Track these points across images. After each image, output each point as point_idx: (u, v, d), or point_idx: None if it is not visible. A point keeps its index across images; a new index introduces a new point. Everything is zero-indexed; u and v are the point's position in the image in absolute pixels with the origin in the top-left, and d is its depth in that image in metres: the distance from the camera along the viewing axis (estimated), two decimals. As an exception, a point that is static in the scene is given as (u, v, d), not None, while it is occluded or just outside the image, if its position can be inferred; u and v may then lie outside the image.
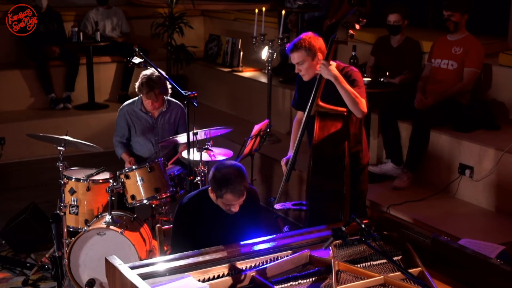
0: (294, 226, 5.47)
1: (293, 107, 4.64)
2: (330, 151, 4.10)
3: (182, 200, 3.78)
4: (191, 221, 3.68)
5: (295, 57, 4.23)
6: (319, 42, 4.23)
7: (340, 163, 4.07)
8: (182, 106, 5.19)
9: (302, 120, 4.56)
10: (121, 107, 5.21)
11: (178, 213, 3.75)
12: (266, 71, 6.72)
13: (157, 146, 5.14)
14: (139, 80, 4.98)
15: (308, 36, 4.24)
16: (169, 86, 5.01)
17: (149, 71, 4.93)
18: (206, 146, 4.90)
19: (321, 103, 4.15)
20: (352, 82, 4.19)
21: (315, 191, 4.15)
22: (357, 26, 4.10)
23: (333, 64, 4.23)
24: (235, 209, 3.61)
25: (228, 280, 2.84)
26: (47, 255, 4.92)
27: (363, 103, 4.15)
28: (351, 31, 4.11)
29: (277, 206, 4.56)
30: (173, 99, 5.21)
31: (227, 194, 3.54)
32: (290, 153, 4.48)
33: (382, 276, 2.82)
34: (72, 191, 4.59)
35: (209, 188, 3.65)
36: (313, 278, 2.91)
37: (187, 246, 3.50)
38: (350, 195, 4.17)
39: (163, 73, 4.81)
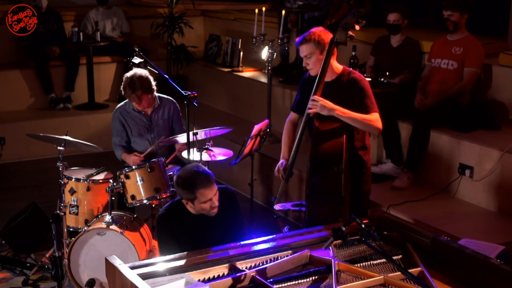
0: (294, 227, 5.47)
1: (292, 109, 4.57)
2: (328, 153, 4.07)
3: (160, 212, 3.80)
4: (173, 230, 3.68)
5: (303, 50, 4.21)
6: (328, 37, 4.20)
7: (337, 165, 4.04)
8: (174, 101, 5.20)
9: (295, 121, 4.56)
10: (114, 110, 5.19)
11: (158, 224, 3.77)
12: (266, 71, 6.71)
13: (154, 144, 5.13)
14: (122, 82, 4.96)
15: (318, 30, 4.23)
16: (153, 83, 4.96)
17: (132, 71, 4.90)
18: (206, 146, 4.90)
19: None
20: (361, 91, 4.16)
21: (313, 192, 4.15)
22: (357, 27, 4.10)
23: (339, 67, 4.22)
24: (216, 203, 3.59)
25: (228, 280, 2.84)
26: (47, 255, 4.92)
27: (375, 121, 4.11)
28: (350, 32, 4.10)
29: (277, 206, 4.56)
30: (164, 95, 5.20)
31: (200, 189, 3.53)
32: (282, 160, 4.46)
33: (382, 276, 2.82)
34: (72, 191, 4.59)
35: (184, 201, 3.64)
36: (313, 278, 2.91)
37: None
38: (353, 196, 4.15)
39: (162, 73, 4.81)
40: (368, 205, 4.48)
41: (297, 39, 4.31)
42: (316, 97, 4.08)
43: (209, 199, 3.57)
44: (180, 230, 3.68)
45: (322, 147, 4.09)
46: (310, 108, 4.09)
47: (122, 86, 4.94)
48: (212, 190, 3.57)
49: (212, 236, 3.64)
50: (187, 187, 3.57)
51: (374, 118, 4.13)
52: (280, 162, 4.43)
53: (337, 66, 4.24)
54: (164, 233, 3.71)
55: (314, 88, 4.13)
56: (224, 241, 3.34)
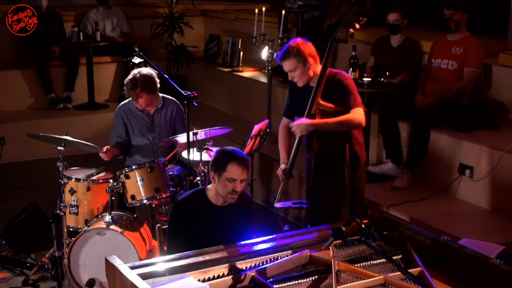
0: (293, 226, 5.47)
1: (284, 115, 4.58)
2: (332, 148, 4.12)
3: (177, 198, 3.81)
4: (186, 218, 3.70)
5: (286, 66, 4.22)
6: (308, 48, 4.20)
7: (341, 160, 4.09)
8: (178, 102, 5.19)
9: (288, 125, 4.57)
10: (117, 107, 5.20)
11: (173, 210, 3.77)
12: (266, 71, 6.72)
13: (155, 144, 5.13)
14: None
15: (296, 42, 4.21)
16: (158, 84, 4.95)
17: (139, 69, 4.91)
18: (206, 146, 4.90)
19: (321, 102, 4.15)
20: (345, 89, 4.16)
21: (317, 187, 4.17)
22: (357, 25, 4.13)
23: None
24: (239, 189, 3.60)
25: (228, 280, 2.84)
26: (47, 255, 4.92)
27: (353, 118, 4.09)
28: (351, 30, 4.13)
29: (278, 204, 4.56)
30: (168, 96, 5.20)
31: (232, 164, 3.55)
32: (283, 164, 4.47)
33: (382, 276, 2.82)
34: (72, 191, 4.58)
35: (211, 175, 3.65)
36: (313, 278, 2.91)
37: (182, 244, 3.55)
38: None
39: (162, 73, 4.81)
40: (363, 202, 4.49)
41: (277, 54, 4.30)
42: (293, 125, 4.12)
43: (234, 179, 3.58)
44: (193, 216, 3.69)
45: (326, 141, 4.13)
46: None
47: (125, 81, 4.94)
48: (242, 173, 3.59)
49: (223, 230, 3.67)
50: (222, 157, 3.61)
51: (353, 115, 4.10)
52: (281, 167, 4.46)
53: (318, 71, 4.24)
54: (177, 219, 3.72)
55: (313, 92, 4.14)
56: (233, 236, 3.40)
